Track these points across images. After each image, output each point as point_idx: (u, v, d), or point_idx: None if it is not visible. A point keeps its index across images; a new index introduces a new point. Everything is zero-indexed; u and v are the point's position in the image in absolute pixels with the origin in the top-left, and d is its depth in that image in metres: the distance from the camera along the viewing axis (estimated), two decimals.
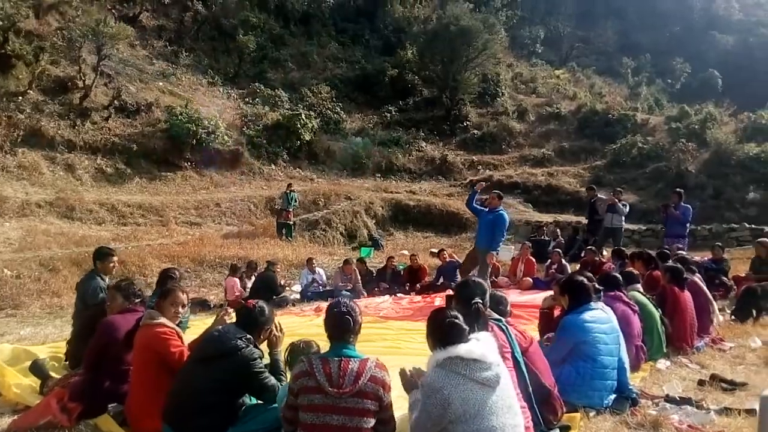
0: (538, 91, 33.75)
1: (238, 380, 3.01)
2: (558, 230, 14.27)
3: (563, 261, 10.32)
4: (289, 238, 15.48)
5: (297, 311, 8.84)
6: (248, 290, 9.42)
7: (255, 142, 20.88)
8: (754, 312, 6.65)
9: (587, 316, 3.73)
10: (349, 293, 10.39)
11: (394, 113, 28.98)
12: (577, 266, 9.59)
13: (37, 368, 4.78)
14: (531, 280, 10.06)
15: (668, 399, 3.81)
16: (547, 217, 19.42)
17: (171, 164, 18.38)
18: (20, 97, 16.27)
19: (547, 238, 13.35)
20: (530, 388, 2.94)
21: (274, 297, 8.96)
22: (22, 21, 17.47)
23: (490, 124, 28.39)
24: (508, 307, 3.57)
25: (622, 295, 4.97)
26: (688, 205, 10.43)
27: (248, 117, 22.00)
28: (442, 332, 2.46)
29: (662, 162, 21.91)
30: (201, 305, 9.11)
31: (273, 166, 20.96)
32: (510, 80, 34.89)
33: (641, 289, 5.39)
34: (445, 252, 11.64)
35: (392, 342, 6.03)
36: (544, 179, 23.01)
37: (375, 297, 9.94)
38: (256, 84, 27.18)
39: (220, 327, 3.33)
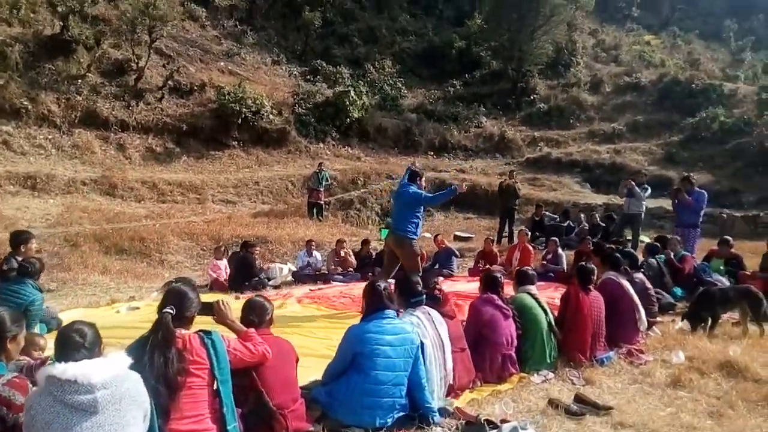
0: (619, 60, 31.27)
1: None
2: (582, 215, 13.14)
3: (559, 250, 9.50)
4: (320, 218, 15.54)
5: (270, 294, 8.84)
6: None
7: (303, 120, 21.07)
8: (710, 320, 5.72)
9: (373, 325, 3.36)
10: (341, 277, 10.32)
11: (458, 87, 28.13)
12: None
13: None
14: None
15: (475, 422, 3.33)
16: (601, 199, 18.09)
17: (219, 143, 19.02)
18: (80, 80, 17.45)
19: (554, 221, 12.37)
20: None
21: (249, 281, 9.02)
22: (89, 6, 18.66)
23: (558, 97, 26.73)
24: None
25: (494, 297, 4.48)
26: (703, 191, 9.18)
27: (300, 95, 22.19)
28: None
29: (745, 138, 19.49)
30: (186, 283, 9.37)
31: (321, 145, 21.08)
32: (591, 48, 32.59)
33: (533, 291, 4.80)
34: (439, 237, 11.13)
35: (307, 330, 5.85)
36: (609, 157, 21.39)
37: (359, 282, 9.72)
38: (319, 61, 27.42)
39: None
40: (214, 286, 9.32)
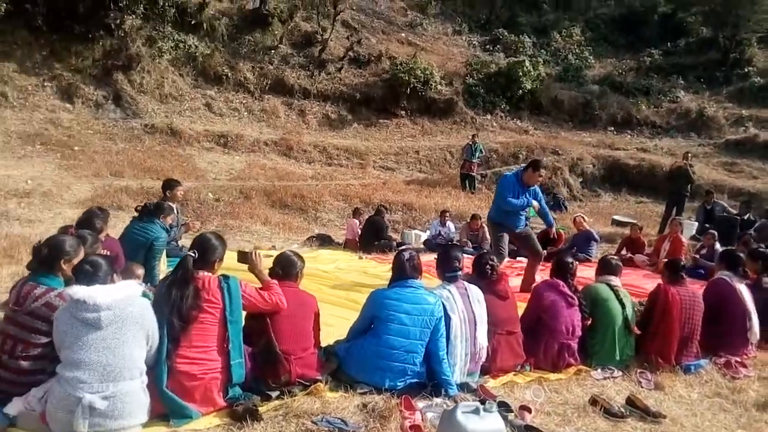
0: None
1: None
2: (750, 209, 11.08)
3: (717, 245, 8.28)
4: (472, 191, 15.51)
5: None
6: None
7: (472, 91, 20.89)
8: None
9: (393, 292, 3.43)
10: (472, 250, 10.31)
11: (656, 57, 25.37)
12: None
13: None
14: None
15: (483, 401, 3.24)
16: None
17: (388, 112, 19.83)
18: (272, 51, 19.45)
19: (733, 214, 10.63)
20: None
21: (378, 241, 9.49)
22: None
23: None
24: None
25: (560, 283, 4.19)
26: None
27: (473, 65, 21.98)
28: None
29: None
30: (325, 240, 10.21)
31: (488, 116, 20.75)
32: None
33: (614, 282, 4.36)
34: (578, 218, 10.36)
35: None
36: None
37: None
38: (501, 30, 26.77)
39: None
40: (347, 243, 10.01)
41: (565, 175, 17.16)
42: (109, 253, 3.84)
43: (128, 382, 2.69)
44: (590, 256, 9.76)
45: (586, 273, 8.20)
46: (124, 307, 2.73)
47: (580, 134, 20.67)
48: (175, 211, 6.94)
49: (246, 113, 17.94)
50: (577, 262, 4.51)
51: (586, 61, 24.82)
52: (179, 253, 6.14)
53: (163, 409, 2.89)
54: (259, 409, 3.01)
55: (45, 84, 14.91)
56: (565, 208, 14.94)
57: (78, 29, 15.26)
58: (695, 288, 4.70)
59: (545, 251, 10.02)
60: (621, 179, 17.71)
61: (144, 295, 3.24)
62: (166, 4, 16.78)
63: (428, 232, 10.93)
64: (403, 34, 24.66)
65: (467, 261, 4.41)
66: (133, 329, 2.73)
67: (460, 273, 3.83)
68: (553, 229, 7.65)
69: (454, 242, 10.58)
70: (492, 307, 3.90)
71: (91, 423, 2.59)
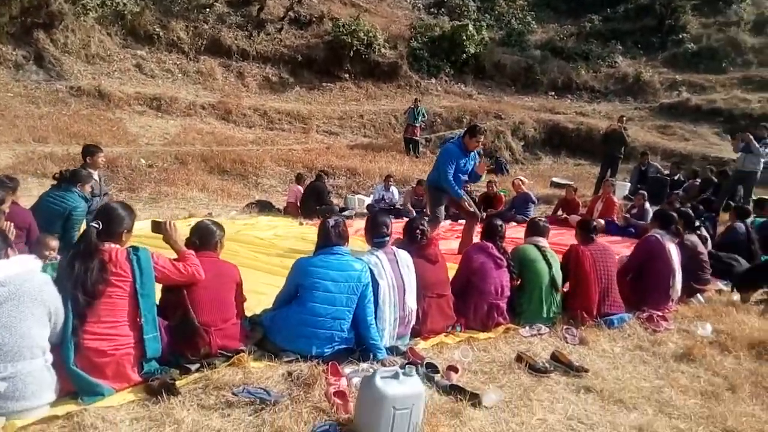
0: None
1: None
2: (680, 169, 11.61)
3: (646, 205, 8.60)
4: (416, 155, 15.49)
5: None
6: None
7: (417, 54, 20.68)
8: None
9: (318, 259, 3.37)
10: (417, 214, 10.32)
11: (596, 23, 25.78)
12: None
13: None
14: (603, 222, 8.63)
15: (411, 363, 3.25)
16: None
17: (331, 75, 19.40)
18: (207, 9, 18.54)
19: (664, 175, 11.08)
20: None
21: (319, 206, 9.35)
22: None
23: (712, 37, 23.52)
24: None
25: (489, 245, 4.24)
26: None
27: (417, 29, 21.69)
28: None
29: None
30: (265, 206, 9.99)
31: (433, 80, 20.65)
32: None
33: (541, 243, 4.44)
34: (517, 181, 10.53)
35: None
36: (760, 107, 18.60)
37: None
38: None
39: None
40: (288, 209, 9.83)
41: (507, 139, 17.39)
42: (13, 224, 3.56)
43: (28, 362, 2.51)
44: (527, 218, 9.94)
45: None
46: (20, 283, 2.52)
47: (522, 98, 20.91)
48: (97, 179, 6.57)
49: (180, 75, 17.15)
50: (505, 224, 4.54)
51: (528, 26, 24.94)
52: None
53: (73, 388, 2.72)
54: (177, 382, 2.88)
55: None
56: (507, 171, 15.16)
57: None
58: (604, 243, 4.86)
59: (485, 213, 10.23)
60: (560, 142, 18.12)
61: (54, 267, 3.03)
62: None
63: (372, 197, 10.85)
64: None
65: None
66: (32, 306, 2.53)
67: (387, 239, 3.76)
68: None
69: (398, 207, 10.60)
70: (422, 270, 3.87)
71: None
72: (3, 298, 2.46)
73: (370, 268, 3.54)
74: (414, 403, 2.48)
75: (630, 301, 4.65)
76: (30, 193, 7.12)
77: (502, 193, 11.40)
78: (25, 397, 2.48)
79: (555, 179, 13.55)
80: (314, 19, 20.40)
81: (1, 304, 2.45)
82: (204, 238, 3.34)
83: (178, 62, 17.27)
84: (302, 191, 10.03)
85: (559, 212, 9.78)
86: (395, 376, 2.51)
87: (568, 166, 17.06)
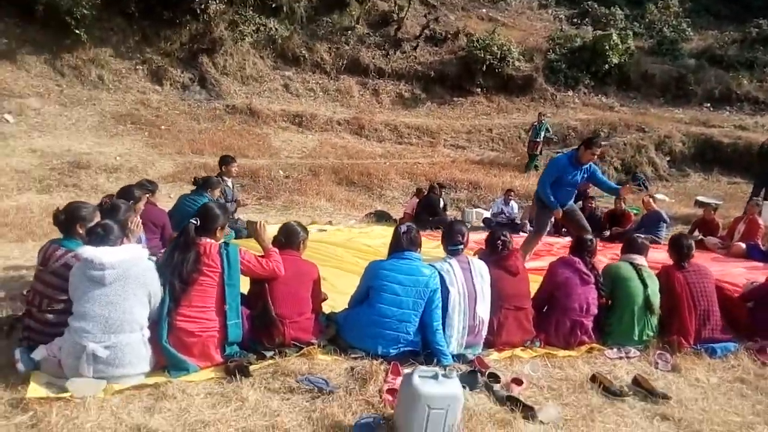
0: None
1: None
2: None
3: None
4: (536, 169, 15.03)
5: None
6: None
7: (554, 66, 20.05)
8: None
9: (388, 263, 3.53)
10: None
11: (765, 27, 22.97)
12: None
13: None
14: (744, 246, 7.74)
15: (470, 372, 3.27)
16: None
17: (463, 89, 19.50)
18: (349, 32, 19.68)
19: None
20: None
21: (431, 218, 9.51)
22: None
23: None
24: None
25: (576, 260, 4.09)
26: None
27: (556, 40, 21.06)
28: None
29: None
30: (382, 216, 10.39)
31: (570, 92, 19.87)
32: None
33: (637, 261, 4.14)
34: (647, 198, 9.76)
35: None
36: None
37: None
38: (589, 2, 25.41)
39: None
40: (404, 219, 10.09)
41: (650, 154, 16.20)
42: (140, 220, 4.18)
43: (128, 335, 2.99)
44: (659, 238, 9.23)
45: (656, 255, 7.83)
46: (128, 267, 3.01)
47: (672, 110, 19.32)
48: (230, 186, 7.37)
49: (321, 93, 18.36)
50: (597, 240, 4.35)
51: (683, 33, 23.03)
52: (234, 226, 6.55)
53: (164, 362, 3.17)
54: (252, 366, 3.22)
55: (137, 67, 16.06)
56: (646, 187, 14.02)
57: (166, 15, 16.24)
58: (700, 263, 4.42)
59: (608, 232, 9.68)
60: (713, 158, 16.46)
61: None
62: None
63: (490, 211, 10.79)
64: (483, 10, 24.05)
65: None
66: (135, 287, 3.01)
67: (461, 247, 3.83)
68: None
69: (516, 222, 10.41)
70: (500, 282, 3.88)
71: (95, 369, 2.91)
72: (112, 278, 2.96)
73: (441, 275, 3.64)
74: (450, 404, 2.54)
75: (743, 328, 4.20)
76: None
77: (632, 211, 10.71)
78: (123, 364, 2.95)
79: (700, 198, 12.36)
80: (449, 35, 20.69)
81: (110, 284, 2.96)
82: (289, 238, 3.69)
83: (320, 81, 18.51)
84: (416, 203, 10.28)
85: (696, 233, 8.94)
86: (434, 376, 2.59)
87: (720, 185, 15.43)
